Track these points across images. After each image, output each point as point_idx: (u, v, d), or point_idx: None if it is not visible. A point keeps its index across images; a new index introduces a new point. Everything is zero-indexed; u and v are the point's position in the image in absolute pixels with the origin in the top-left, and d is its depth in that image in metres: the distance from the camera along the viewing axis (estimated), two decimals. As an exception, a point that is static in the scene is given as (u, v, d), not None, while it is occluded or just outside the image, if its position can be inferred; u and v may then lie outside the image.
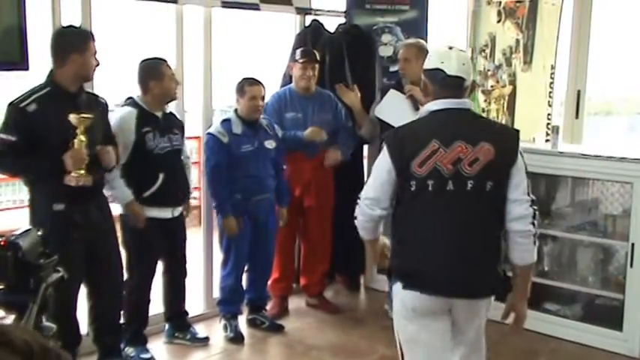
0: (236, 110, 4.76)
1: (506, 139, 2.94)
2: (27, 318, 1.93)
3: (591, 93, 8.80)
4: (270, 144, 4.82)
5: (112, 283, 4.15)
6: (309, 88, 5.11)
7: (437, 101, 2.92)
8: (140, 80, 4.35)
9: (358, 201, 2.98)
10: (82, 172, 3.66)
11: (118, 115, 4.32)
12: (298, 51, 5.12)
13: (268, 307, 5.25)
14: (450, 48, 2.96)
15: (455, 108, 2.91)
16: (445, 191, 2.82)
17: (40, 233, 2.04)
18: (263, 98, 4.78)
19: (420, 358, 3.00)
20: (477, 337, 3.08)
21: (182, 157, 4.53)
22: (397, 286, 2.95)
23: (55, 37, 3.86)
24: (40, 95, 3.69)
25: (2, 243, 1.93)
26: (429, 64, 2.96)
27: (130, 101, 4.36)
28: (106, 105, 4.10)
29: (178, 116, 4.65)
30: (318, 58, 5.10)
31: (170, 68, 4.40)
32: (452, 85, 2.89)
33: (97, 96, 4.06)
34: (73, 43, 3.78)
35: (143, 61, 4.41)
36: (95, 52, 3.83)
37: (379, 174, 2.93)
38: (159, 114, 4.37)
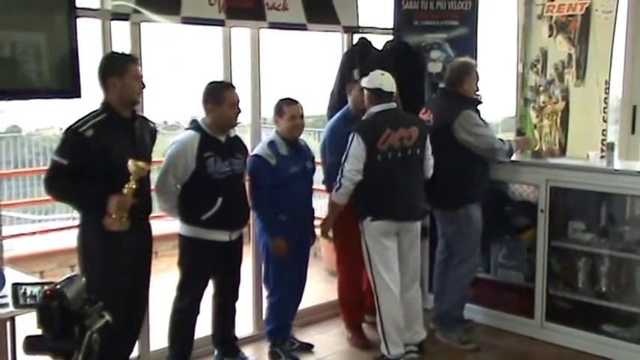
0: (277, 132, 4.73)
1: (422, 123, 4.75)
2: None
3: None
4: (309, 164, 4.85)
5: (138, 314, 4.13)
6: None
7: (377, 106, 4.57)
8: (202, 102, 4.35)
9: (342, 174, 4.47)
10: (124, 218, 3.68)
11: (180, 138, 4.32)
12: (356, 71, 5.03)
13: (347, 338, 5.23)
14: (383, 74, 4.60)
15: (390, 109, 4.59)
16: (397, 157, 4.52)
17: (84, 280, 2.03)
18: (302, 116, 4.76)
19: (384, 259, 4.57)
20: (418, 253, 4.75)
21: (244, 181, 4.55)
22: (367, 220, 4.54)
23: (98, 65, 3.90)
24: (97, 121, 3.72)
25: (48, 293, 1.91)
26: (371, 84, 4.58)
27: (194, 125, 4.35)
28: (155, 130, 4.13)
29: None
30: None
31: (235, 95, 4.35)
32: (386, 96, 4.57)
33: (147, 120, 4.09)
34: (110, 68, 3.83)
35: (210, 82, 4.41)
36: (138, 76, 3.85)
37: (356, 153, 4.46)
38: (222, 138, 4.34)
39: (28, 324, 2.12)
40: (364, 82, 4.64)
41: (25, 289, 1.93)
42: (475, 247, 5.04)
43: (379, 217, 4.51)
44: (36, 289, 1.97)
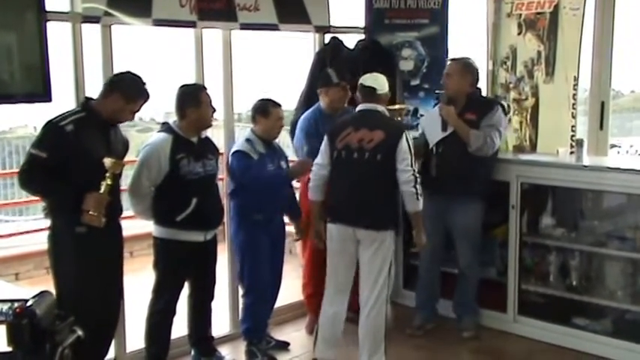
0: (253, 131, 4.74)
1: (393, 129, 4.37)
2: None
3: (622, 89, 8.65)
4: (283, 164, 4.86)
5: (112, 315, 4.15)
6: (342, 107, 5.07)
7: (361, 105, 4.48)
8: (177, 106, 4.35)
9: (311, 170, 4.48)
10: (102, 214, 3.72)
11: (152, 141, 4.33)
12: (333, 73, 5.03)
13: (305, 324, 5.30)
14: (372, 74, 4.52)
15: (367, 109, 4.43)
16: (351, 158, 4.33)
17: (54, 297, 2.04)
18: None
19: (332, 269, 4.49)
20: (377, 269, 4.31)
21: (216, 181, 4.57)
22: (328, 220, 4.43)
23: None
24: (77, 118, 3.76)
25: (18, 311, 1.92)
26: (360, 81, 4.50)
27: (166, 127, 4.36)
28: (127, 142, 4.20)
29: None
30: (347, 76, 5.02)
31: (208, 95, 4.40)
32: (366, 93, 4.45)
33: (121, 132, 4.13)
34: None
35: (182, 86, 4.42)
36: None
37: (322, 149, 4.46)
38: (194, 139, 4.37)
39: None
40: None
41: (-4, 306, 1.93)
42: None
43: (332, 220, 4.43)
44: (6, 306, 1.96)
